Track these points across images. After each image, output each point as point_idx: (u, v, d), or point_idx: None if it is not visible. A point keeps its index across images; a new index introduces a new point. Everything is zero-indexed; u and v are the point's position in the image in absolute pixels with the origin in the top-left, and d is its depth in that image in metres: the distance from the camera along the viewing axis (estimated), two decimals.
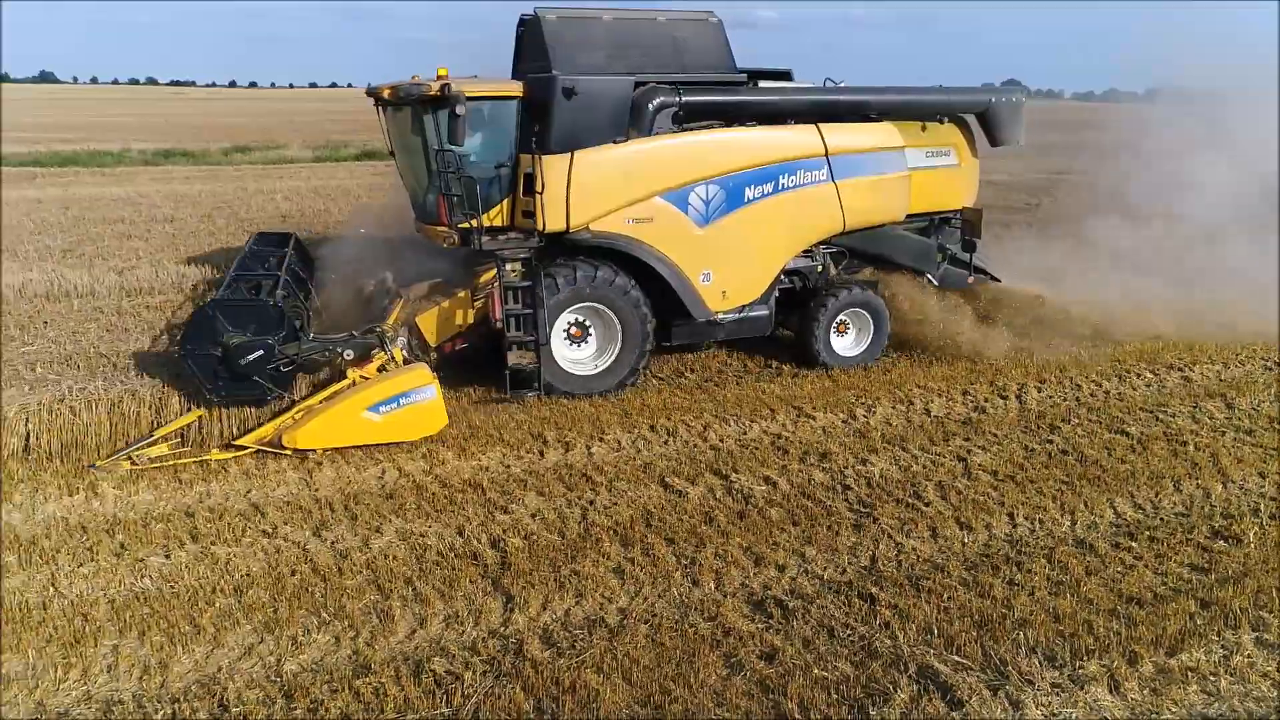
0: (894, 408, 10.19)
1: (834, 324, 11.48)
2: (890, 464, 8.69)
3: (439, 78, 9.71)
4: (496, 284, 9.90)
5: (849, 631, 5.99)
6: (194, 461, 8.47)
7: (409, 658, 5.73)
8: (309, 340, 9.45)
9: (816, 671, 5.56)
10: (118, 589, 6.45)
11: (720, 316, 11.01)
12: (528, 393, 10.06)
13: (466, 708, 5.25)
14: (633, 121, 10.19)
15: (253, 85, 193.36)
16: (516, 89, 10.21)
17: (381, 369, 9.45)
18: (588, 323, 10.55)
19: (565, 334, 10.47)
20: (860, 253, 12.05)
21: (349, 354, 9.48)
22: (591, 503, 7.86)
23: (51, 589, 6.44)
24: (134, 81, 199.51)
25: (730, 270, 10.88)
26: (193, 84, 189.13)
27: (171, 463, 8.42)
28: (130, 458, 8.40)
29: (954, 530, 7.39)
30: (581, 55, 10.22)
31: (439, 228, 10.51)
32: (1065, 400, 10.44)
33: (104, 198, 24.65)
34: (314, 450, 8.64)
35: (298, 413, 8.94)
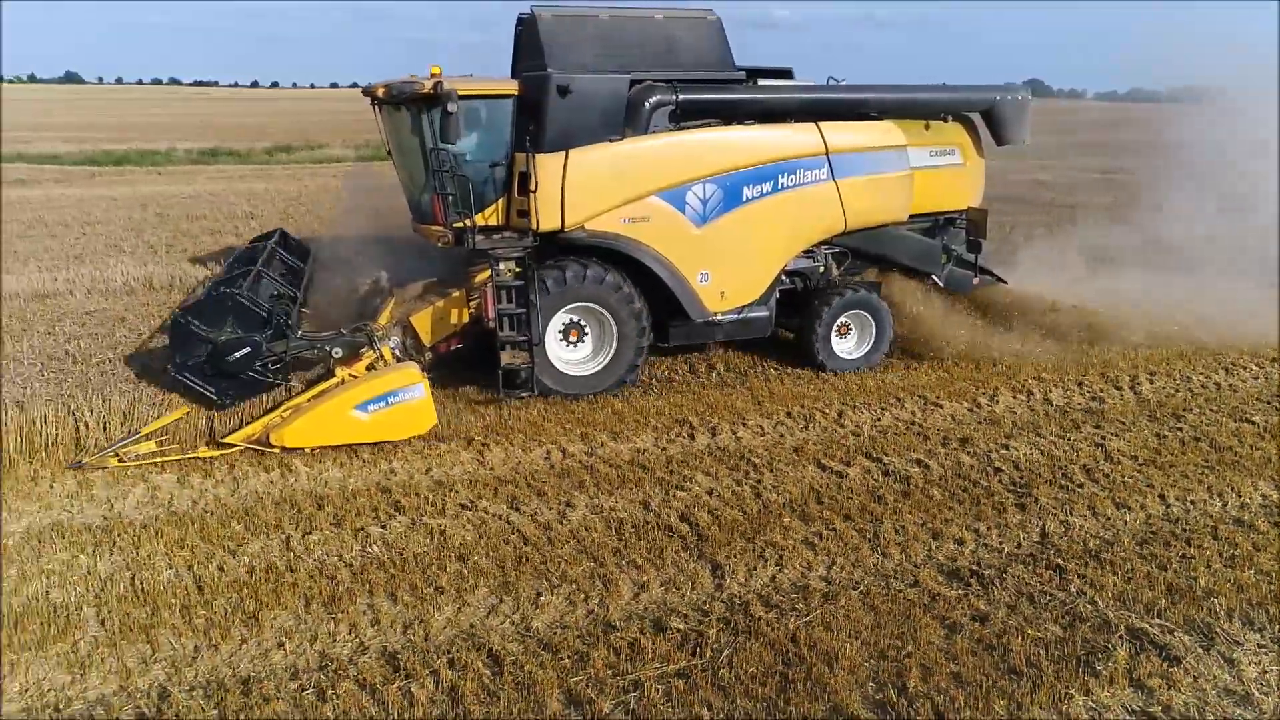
0: (1014, 396, 10.56)
1: (836, 326, 11.41)
2: (1030, 448, 9.08)
3: (432, 76, 9.71)
4: (490, 284, 9.87)
5: (1048, 598, 6.39)
6: (181, 459, 8.46)
7: (645, 617, 6.16)
8: (296, 338, 9.44)
9: (1031, 632, 5.97)
10: (352, 555, 6.91)
11: (718, 317, 10.91)
12: (520, 393, 10.01)
13: (720, 659, 5.67)
14: (629, 120, 10.14)
15: (274, 85, 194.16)
16: (512, 87, 10.17)
17: (370, 367, 9.47)
18: (583, 323, 10.48)
19: (560, 335, 10.37)
20: (862, 253, 11.93)
21: (337, 352, 9.48)
22: (759, 482, 8.27)
23: (290, 554, 6.90)
24: (156, 81, 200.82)
25: (729, 270, 10.79)
26: (215, 84, 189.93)
27: (160, 459, 8.40)
28: (118, 454, 8.34)
29: (1112, 510, 7.77)
30: (577, 53, 10.14)
31: (434, 227, 10.48)
32: (1179, 391, 10.80)
33: (175, 195, 25.30)
34: (302, 449, 8.64)
35: (285, 410, 8.94)
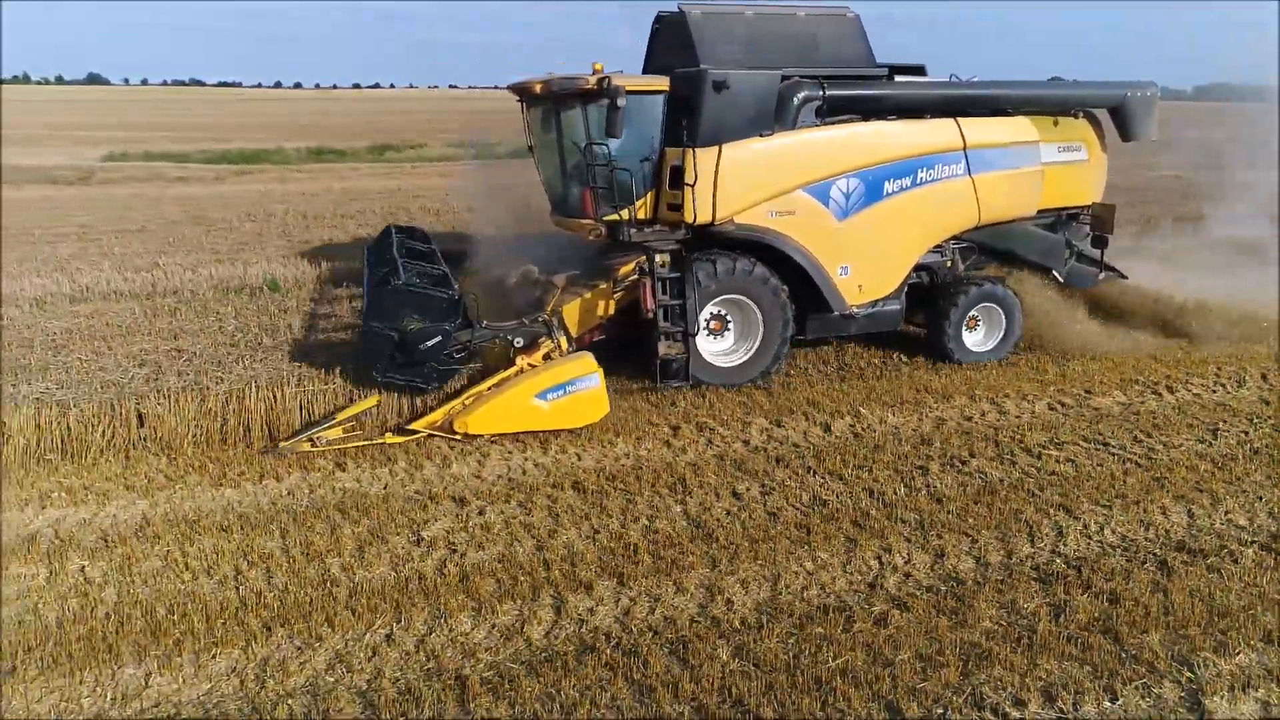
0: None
1: (966, 319, 11.40)
2: None
3: (595, 72, 9.88)
4: (649, 276, 9.95)
5: None
6: (367, 445, 8.62)
7: (934, 587, 6.28)
8: (481, 328, 9.53)
9: None
10: (588, 535, 7.02)
11: (855, 310, 11.00)
12: (675, 383, 10.15)
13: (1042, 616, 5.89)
14: (778, 115, 10.24)
15: (296, 86, 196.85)
16: (663, 84, 10.27)
17: (547, 356, 9.59)
18: (727, 315, 10.56)
19: (705, 326, 10.43)
20: (988, 248, 12.01)
21: (519, 341, 9.58)
22: (964, 463, 8.41)
23: (530, 537, 7.01)
24: (179, 83, 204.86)
25: (867, 264, 10.90)
26: (239, 84, 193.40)
27: (347, 445, 8.56)
28: (310, 439, 8.54)
29: None
30: (727, 50, 10.30)
31: (583, 221, 10.60)
32: None
33: (330, 191, 26.80)
34: (483, 435, 8.79)
35: (467, 398, 9.05)
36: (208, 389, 8.84)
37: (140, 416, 8.52)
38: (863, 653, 5.45)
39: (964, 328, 11.42)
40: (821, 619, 5.82)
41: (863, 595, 6.14)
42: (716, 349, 10.58)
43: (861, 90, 10.81)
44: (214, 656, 5.48)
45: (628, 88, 9.90)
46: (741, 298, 10.40)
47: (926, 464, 8.31)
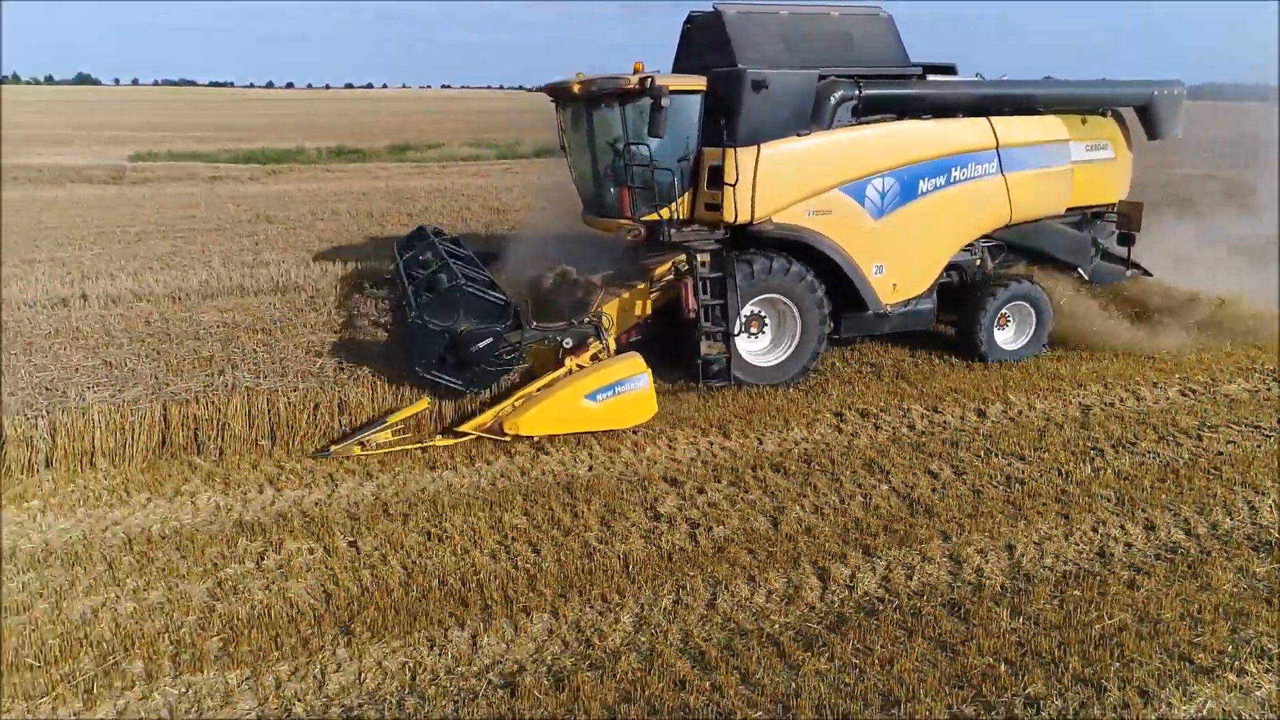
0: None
1: (997, 317, 11.49)
2: None
3: (636, 72, 9.90)
4: (690, 276, 9.97)
5: None
6: (418, 447, 8.64)
7: (1160, 556, 6.77)
8: (531, 329, 9.43)
9: None
10: (813, 511, 7.45)
11: (889, 309, 11.06)
12: (717, 383, 10.20)
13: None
14: (815, 115, 10.29)
15: (289, 86, 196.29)
16: (700, 83, 10.25)
17: (595, 357, 9.57)
18: (763, 314, 10.56)
19: (743, 326, 10.40)
20: (1017, 246, 12.09)
21: (568, 342, 9.53)
22: (1132, 444, 8.88)
23: (760, 513, 7.50)
24: (169, 82, 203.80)
25: (901, 263, 10.94)
26: (231, 84, 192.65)
27: (397, 448, 8.58)
28: (361, 442, 8.55)
29: None
30: (763, 49, 10.27)
31: (621, 221, 10.56)
32: None
33: (378, 190, 26.89)
34: (532, 436, 8.80)
35: (517, 400, 9.03)
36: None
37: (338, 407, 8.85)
38: (1129, 613, 5.90)
39: (995, 326, 11.53)
40: (1075, 584, 6.28)
41: (1100, 563, 6.60)
42: (753, 348, 10.62)
43: (897, 90, 10.92)
44: (529, 619, 5.87)
45: (676, 87, 9.95)
46: (780, 297, 10.42)
47: (1099, 445, 8.79)
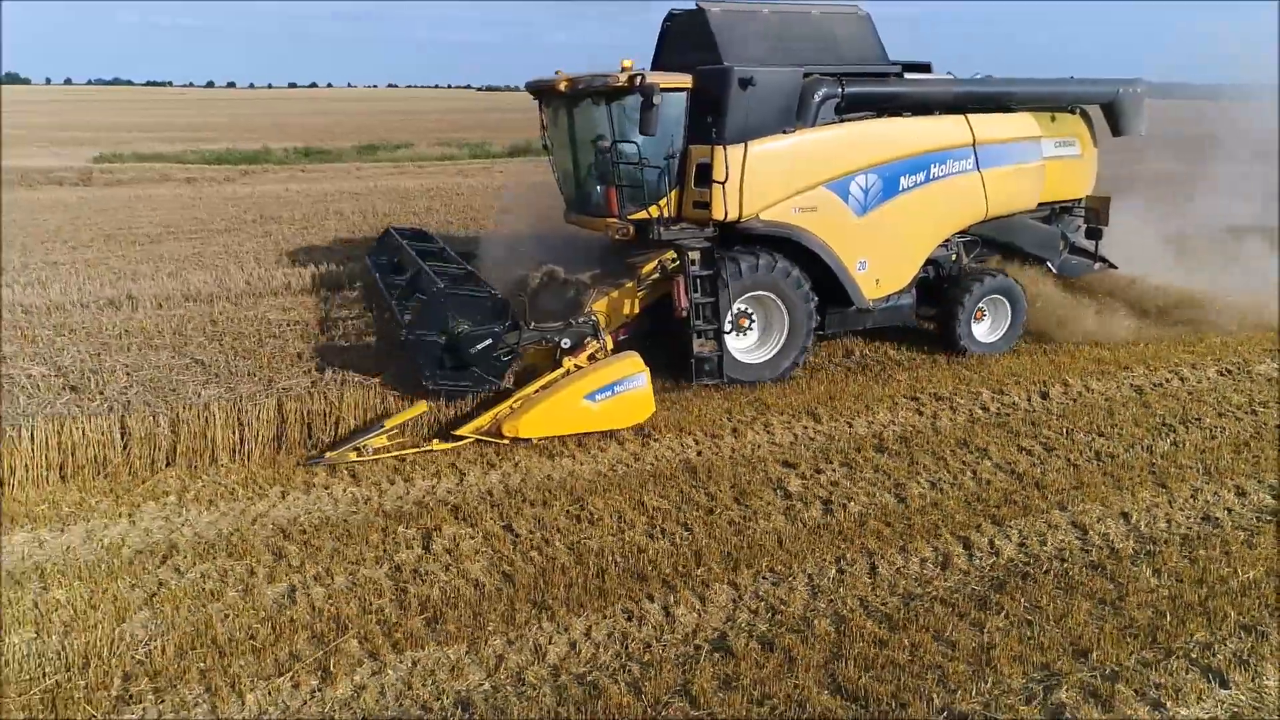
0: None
1: (975, 311, 11.71)
2: None
3: (624, 69, 9.87)
4: (682, 274, 10.02)
5: None
6: (415, 452, 8.55)
7: (1264, 518, 7.33)
8: (529, 330, 9.45)
9: None
10: (931, 487, 7.89)
11: (872, 304, 11.22)
12: (710, 381, 10.29)
13: None
14: (800, 112, 10.43)
15: (230, 85, 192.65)
16: (687, 81, 10.31)
17: (592, 357, 9.56)
18: (750, 312, 10.66)
19: (731, 323, 10.44)
20: (991, 241, 12.38)
21: (565, 342, 9.54)
22: (1198, 420, 9.49)
23: (883, 491, 7.98)
24: (103, 82, 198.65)
25: (884, 258, 11.14)
26: (169, 84, 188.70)
27: (394, 454, 8.46)
28: (358, 448, 8.37)
29: None
30: (748, 47, 10.40)
31: (608, 220, 10.59)
32: None
33: (371, 190, 27.05)
34: (531, 439, 8.74)
35: (515, 402, 8.96)
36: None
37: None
38: (1259, 568, 6.43)
39: (973, 319, 11.75)
40: (1196, 545, 6.80)
41: (1209, 525, 7.14)
42: (740, 345, 10.67)
43: (878, 87, 11.14)
44: (711, 591, 6.18)
45: (665, 85, 9.98)
46: (767, 294, 10.50)
47: (1167, 422, 9.38)
